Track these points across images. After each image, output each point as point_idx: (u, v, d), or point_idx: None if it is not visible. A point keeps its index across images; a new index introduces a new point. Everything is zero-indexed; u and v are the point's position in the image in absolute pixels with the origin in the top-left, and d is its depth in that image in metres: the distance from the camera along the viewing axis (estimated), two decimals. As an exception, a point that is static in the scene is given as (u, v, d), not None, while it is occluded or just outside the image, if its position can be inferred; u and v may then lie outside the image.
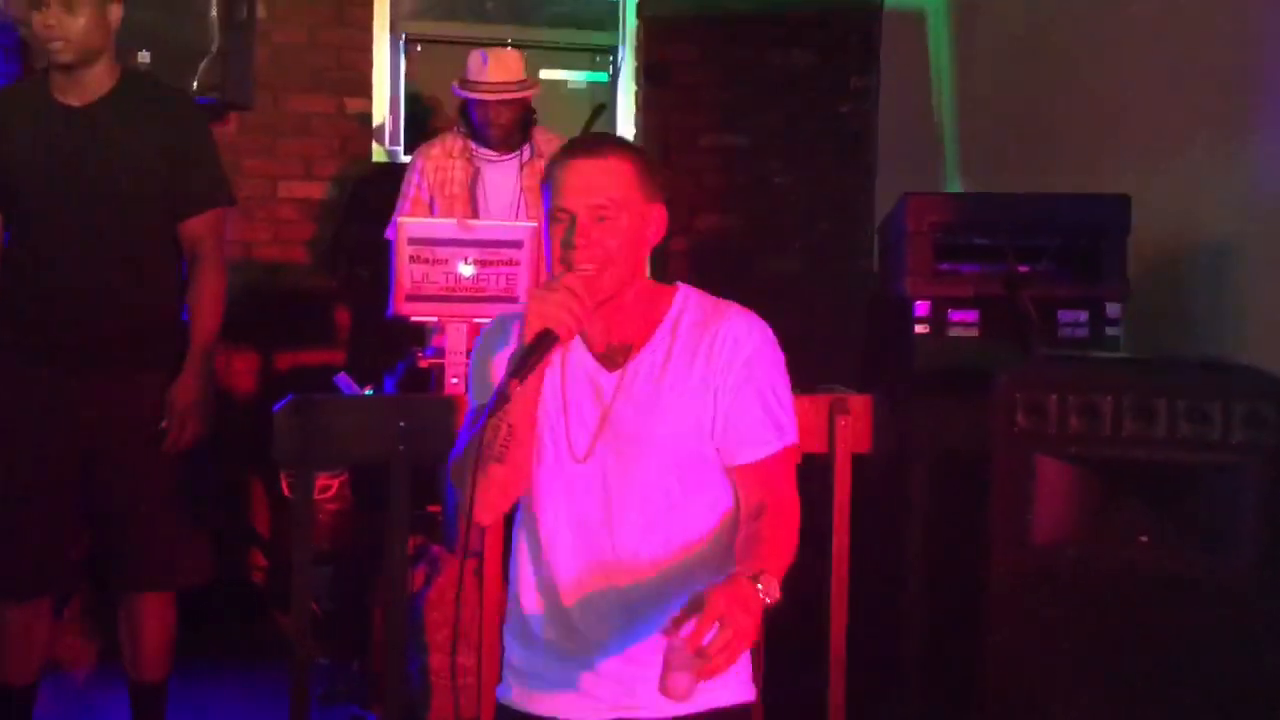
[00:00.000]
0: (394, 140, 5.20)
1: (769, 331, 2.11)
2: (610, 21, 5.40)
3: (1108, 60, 4.15)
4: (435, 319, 3.35)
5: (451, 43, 5.24)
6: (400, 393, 3.41)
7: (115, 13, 3.20)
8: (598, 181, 1.96)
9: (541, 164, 4.15)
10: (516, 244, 3.34)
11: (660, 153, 5.36)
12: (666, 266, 5.24)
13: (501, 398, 1.88)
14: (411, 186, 4.15)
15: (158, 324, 3.25)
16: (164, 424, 3.19)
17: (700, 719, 2.03)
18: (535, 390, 1.98)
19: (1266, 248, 3.51)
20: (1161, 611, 2.93)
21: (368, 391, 3.46)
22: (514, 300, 3.37)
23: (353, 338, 5.00)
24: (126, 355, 3.19)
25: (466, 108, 4.12)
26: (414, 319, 3.37)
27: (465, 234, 3.34)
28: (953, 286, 3.57)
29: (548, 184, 2.02)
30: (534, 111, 4.19)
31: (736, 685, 2.14)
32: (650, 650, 1.93)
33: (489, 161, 4.12)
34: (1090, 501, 3.01)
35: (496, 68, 4.04)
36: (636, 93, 5.39)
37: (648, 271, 2.14)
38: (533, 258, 3.36)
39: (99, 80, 3.19)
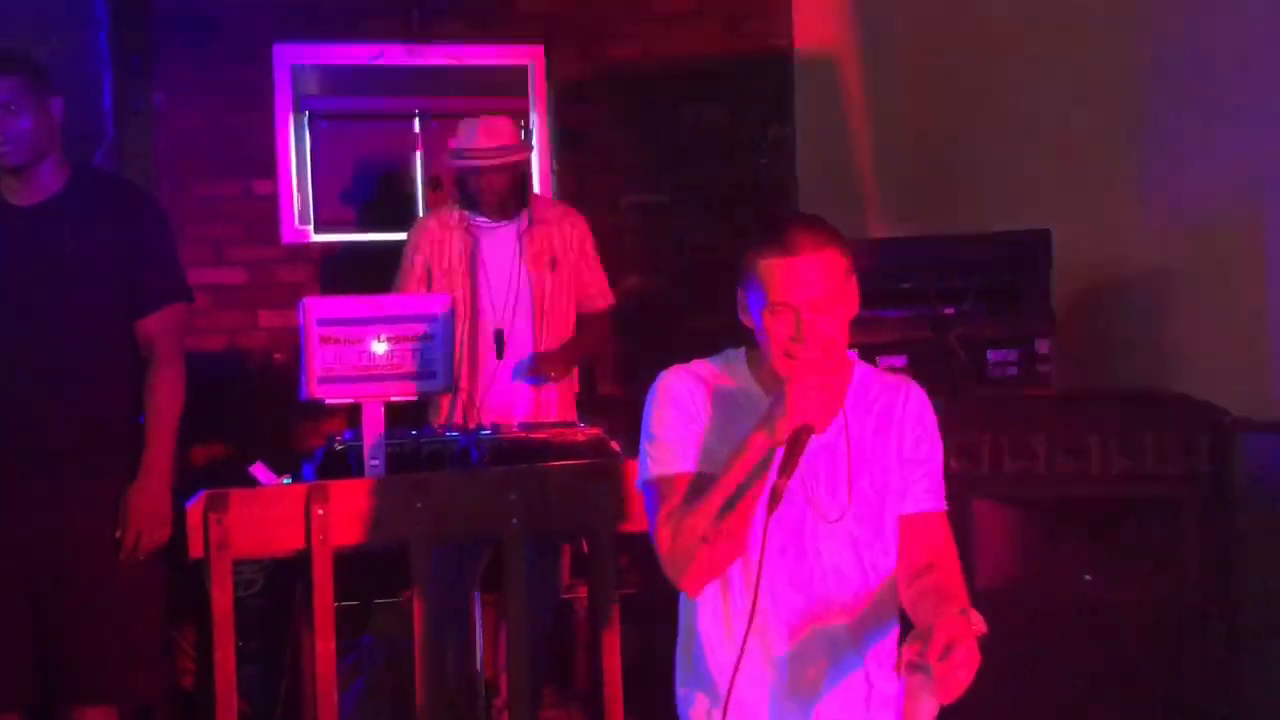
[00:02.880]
0: (304, 219, 5.17)
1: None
2: (520, 87, 5.40)
3: (1023, 95, 4.21)
4: (351, 401, 3.29)
5: (358, 117, 5.23)
6: (319, 478, 3.33)
7: (58, 108, 3.18)
8: (818, 276, 2.10)
9: (540, 231, 4.12)
10: (431, 318, 3.31)
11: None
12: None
13: (776, 498, 1.99)
14: (408, 262, 4.14)
15: (113, 428, 3.20)
16: (118, 533, 3.13)
17: None
18: (760, 481, 2.09)
19: (1190, 275, 3.56)
20: (1110, 645, 2.94)
21: (285, 479, 3.38)
22: (432, 376, 3.34)
23: (273, 424, 4.91)
24: (80, 462, 3.14)
25: (460, 177, 4.12)
26: (329, 401, 3.32)
27: (375, 311, 3.31)
28: (879, 332, 3.56)
29: (759, 276, 2.14)
30: (528, 178, 4.19)
31: None
32: (846, 685, 2.22)
33: (486, 230, 4.12)
34: (1030, 542, 3.02)
35: (487, 133, 4.02)
36: (551, 156, 5.40)
37: None
38: (448, 330, 3.33)
39: (49, 179, 3.17)
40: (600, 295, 4.29)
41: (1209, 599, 2.97)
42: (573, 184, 5.38)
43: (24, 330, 3.12)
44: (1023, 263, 3.57)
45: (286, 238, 5.12)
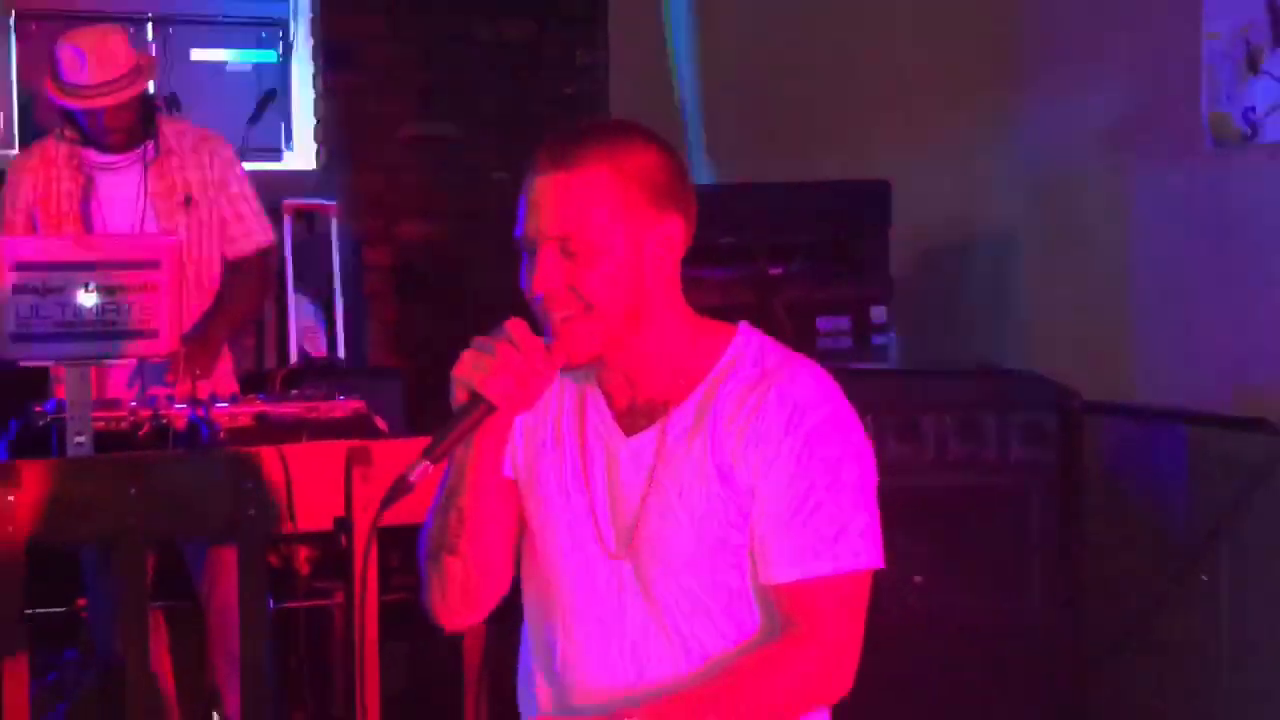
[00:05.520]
0: (5, 142, 5.05)
1: (843, 404, 1.82)
2: (277, -11, 5.37)
3: (865, 29, 4.31)
4: (51, 363, 3.23)
5: (75, 17, 5.10)
6: (11, 457, 3.25)
7: None
8: (563, 201, 1.75)
9: (172, 161, 4.03)
10: (152, 264, 3.25)
11: (348, 149, 5.34)
12: (362, 284, 5.22)
13: (400, 484, 1.72)
14: (10, 212, 3.97)
15: None
16: None
17: None
18: (482, 469, 1.83)
19: (1047, 234, 3.69)
20: (943, 661, 3.04)
21: (-29, 457, 3.30)
22: (154, 335, 3.29)
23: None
24: None
25: (67, 113, 3.99)
26: (23, 364, 3.26)
27: (85, 254, 3.24)
28: (695, 296, 3.51)
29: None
30: (154, 97, 4.08)
31: None
32: None
33: (104, 168, 4.01)
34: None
35: (97, 65, 3.88)
36: (315, 76, 5.37)
37: (675, 302, 1.86)
38: (175, 279, 3.28)
39: None
40: (246, 235, 4.08)
41: (1054, 618, 3.09)
42: (342, 110, 5.37)
43: None
44: (859, 217, 3.68)
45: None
